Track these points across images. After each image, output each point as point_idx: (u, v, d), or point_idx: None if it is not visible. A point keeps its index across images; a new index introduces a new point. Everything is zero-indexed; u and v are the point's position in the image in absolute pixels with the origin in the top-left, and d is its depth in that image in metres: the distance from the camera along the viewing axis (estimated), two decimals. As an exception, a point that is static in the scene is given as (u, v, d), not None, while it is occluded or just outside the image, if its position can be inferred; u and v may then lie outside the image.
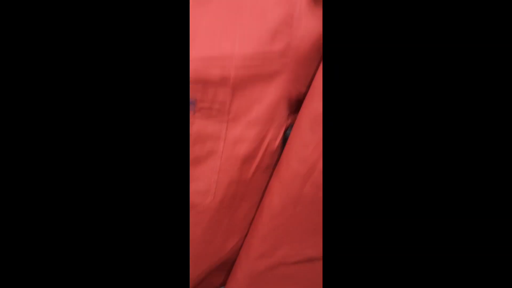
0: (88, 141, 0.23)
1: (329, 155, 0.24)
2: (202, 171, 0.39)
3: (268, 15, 0.35)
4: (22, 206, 0.23)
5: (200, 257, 0.43)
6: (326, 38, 0.24)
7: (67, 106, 0.23)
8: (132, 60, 0.24)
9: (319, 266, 0.40)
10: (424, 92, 0.23)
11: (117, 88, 0.24)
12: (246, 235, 0.43)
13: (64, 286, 0.23)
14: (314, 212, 0.37)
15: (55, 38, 0.23)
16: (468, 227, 0.23)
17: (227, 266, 0.45)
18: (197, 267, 0.43)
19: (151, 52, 0.24)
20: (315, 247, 0.39)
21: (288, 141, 0.38)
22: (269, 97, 0.37)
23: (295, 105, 0.39)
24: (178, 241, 0.25)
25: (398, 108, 0.23)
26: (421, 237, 0.23)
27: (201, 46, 0.35)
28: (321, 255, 0.39)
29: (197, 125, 0.37)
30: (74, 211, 0.23)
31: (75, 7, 0.23)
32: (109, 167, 0.24)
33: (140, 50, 0.24)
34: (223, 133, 0.38)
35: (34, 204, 0.23)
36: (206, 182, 0.39)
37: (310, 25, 0.34)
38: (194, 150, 0.38)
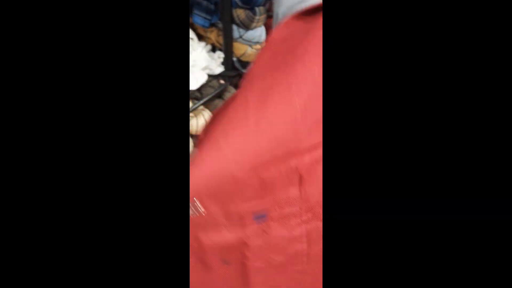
0: (85, 145, 0.23)
1: None
2: None
3: None
4: (21, 205, 0.22)
5: None
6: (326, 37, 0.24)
7: (67, 106, 0.23)
8: (131, 60, 0.24)
9: None
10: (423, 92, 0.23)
11: (116, 87, 0.24)
12: None
13: (64, 286, 0.23)
14: None
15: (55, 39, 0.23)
16: (467, 227, 0.23)
17: None
18: None
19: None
20: None
21: None
22: None
23: None
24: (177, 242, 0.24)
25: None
26: None
27: None
28: None
29: None
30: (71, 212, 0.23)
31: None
32: (109, 168, 0.24)
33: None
34: None
35: (30, 200, 0.23)
36: None
37: None
38: None
